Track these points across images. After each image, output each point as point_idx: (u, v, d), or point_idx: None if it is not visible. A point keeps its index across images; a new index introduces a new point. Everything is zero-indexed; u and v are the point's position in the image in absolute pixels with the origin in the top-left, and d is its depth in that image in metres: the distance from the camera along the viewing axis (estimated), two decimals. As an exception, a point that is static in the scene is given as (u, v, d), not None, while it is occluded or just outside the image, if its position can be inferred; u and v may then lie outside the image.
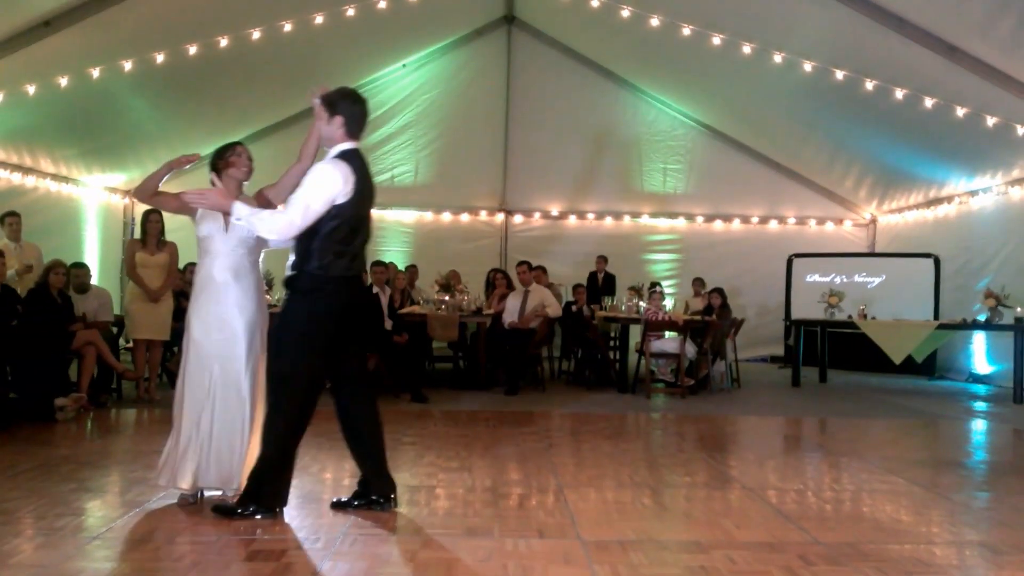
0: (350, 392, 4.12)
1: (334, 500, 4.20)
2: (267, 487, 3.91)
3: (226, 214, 4.03)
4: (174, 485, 4.11)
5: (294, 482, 4.15)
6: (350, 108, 3.97)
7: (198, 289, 4.20)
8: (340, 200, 3.81)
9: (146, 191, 4.36)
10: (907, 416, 8.07)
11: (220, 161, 4.35)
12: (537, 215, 13.30)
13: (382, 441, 4.18)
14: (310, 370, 3.90)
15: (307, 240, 3.83)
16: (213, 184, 4.30)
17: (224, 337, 4.11)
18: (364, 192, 3.94)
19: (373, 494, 4.13)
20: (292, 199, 3.78)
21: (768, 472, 5.40)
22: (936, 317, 10.80)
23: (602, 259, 11.91)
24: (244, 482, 4.03)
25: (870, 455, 5.98)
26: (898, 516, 4.31)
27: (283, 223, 3.74)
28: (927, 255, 11.34)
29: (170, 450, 4.17)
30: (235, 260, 4.19)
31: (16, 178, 9.60)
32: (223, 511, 3.93)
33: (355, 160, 3.92)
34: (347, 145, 3.97)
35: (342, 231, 3.85)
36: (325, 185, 3.77)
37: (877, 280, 11.71)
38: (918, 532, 4.04)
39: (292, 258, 3.94)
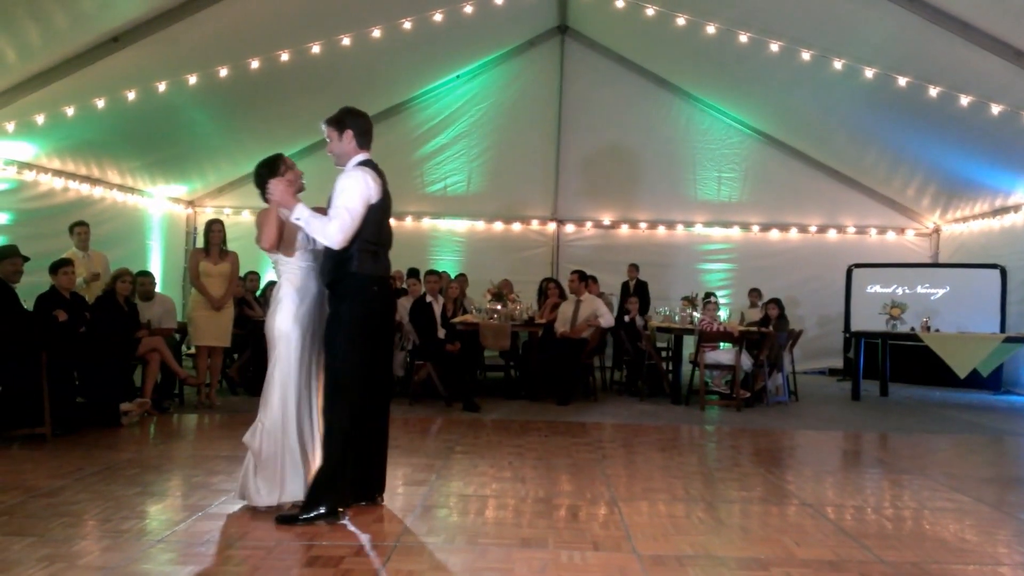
0: (376, 396, 4.25)
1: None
2: (329, 489, 3.99)
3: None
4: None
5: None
6: (356, 121, 4.24)
7: (296, 298, 4.22)
8: (373, 201, 4.07)
9: (270, 239, 4.23)
10: (972, 432, 7.83)
11: (274, 176, 4.33)
12: (589, 224, 13.26)
13: (383, 441, 4.37)
14: (363, 370, 4.07)
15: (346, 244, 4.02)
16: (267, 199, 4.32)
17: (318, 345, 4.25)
18: (386, 195, 4.20)
19: (367, 493, 4.33)
20: (335, 208, 3.98)
21: (827, 488, 5.29)
22: (1002, 330, 10.48)
23: (633, 267, 11.84)
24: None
25: (933, 472, 5.82)
26: (963, 535, 4.18)
27: (336, 229, 3.94)
28: (993, 266, 11.00)
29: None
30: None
31: (85, 189, 9.95)
32: (286, 520, 3.99)
33: (374, 166, 4.20)
34: (362, 156, 4.23)
35: (373, 231, 4.10)
36: (361, 189, 4.03)
37: (941, 291, 11.40)
38: (984, 552, 3.92)
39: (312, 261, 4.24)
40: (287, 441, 4.15)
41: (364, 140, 4.24)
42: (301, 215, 4.01)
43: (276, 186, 4.13)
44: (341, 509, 4.04)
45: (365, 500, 4.33)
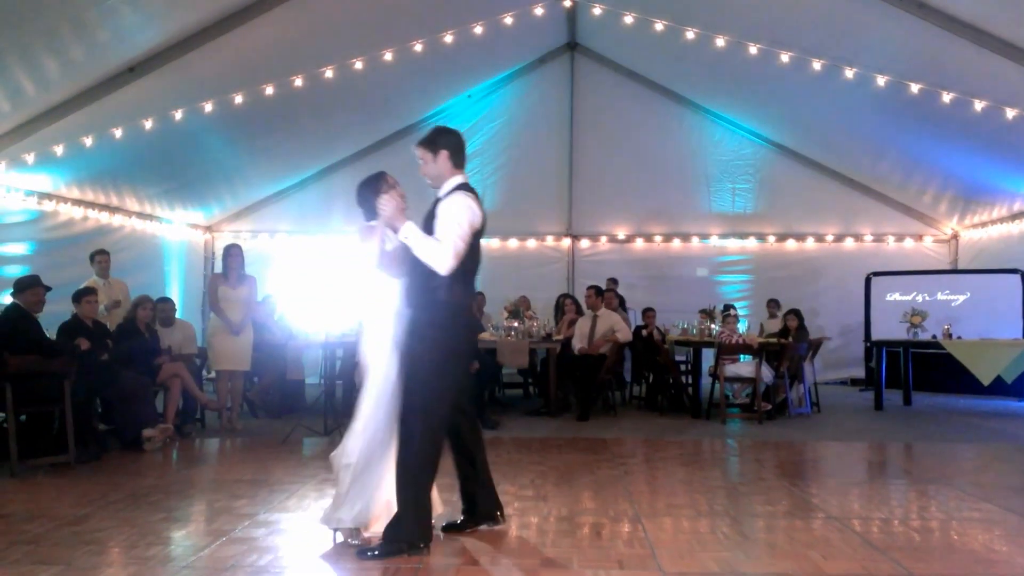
0: (470, 421, 4.23)
1: (445, 524, 4.27)
2: (410, 523, 3.86)
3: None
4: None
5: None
6: (449, 139, 4.11)
7: (392, 323, 4.10)
8: (477, 228, 3.95)
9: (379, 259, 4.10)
10: (999, 440, 7.73)
11: (377, 196, 4.17)
12: (604, 239, 13.25)
13: (487, 464, 4.31)
14: (448, 402, 3.96)
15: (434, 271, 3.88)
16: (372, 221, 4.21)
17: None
18: (485, 221, 4.07)
19: (483, 514, 4.30)
20: (446, 233, 3.84)
21: (852, 500, 5.23)
22: (1025, 335, 10.35)
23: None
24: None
25: (960, 481, 5.75)
26: (992, 545, 4.13)
27: (450, 255, 3.81)
28: (1013, 271, 10.88)
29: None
30: None
31: (104, 217, 10.06)
32: (367, 554, 3.85)
33: (473, 190, 4.06)
34: (460, 178, 4.10)
35: (468, 258, 3.94)
36: (469, 215, 3.91)
37: (961, 298, 11.28)
38: (1015, 562, 3.86)
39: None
40: (380, 466, 4.00)
41: (459, 159, 4.11)
42: (410, 233, 3.87)
43: (389, 202, 3.93)
44: (422, 544, 3.88)
45: (487, 522, 4.29)
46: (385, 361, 4.04)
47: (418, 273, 3.93)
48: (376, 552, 3.85)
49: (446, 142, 4.09)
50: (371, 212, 4.21)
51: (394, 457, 3.95)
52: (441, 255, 3.80)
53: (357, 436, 4.02)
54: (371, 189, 4.24)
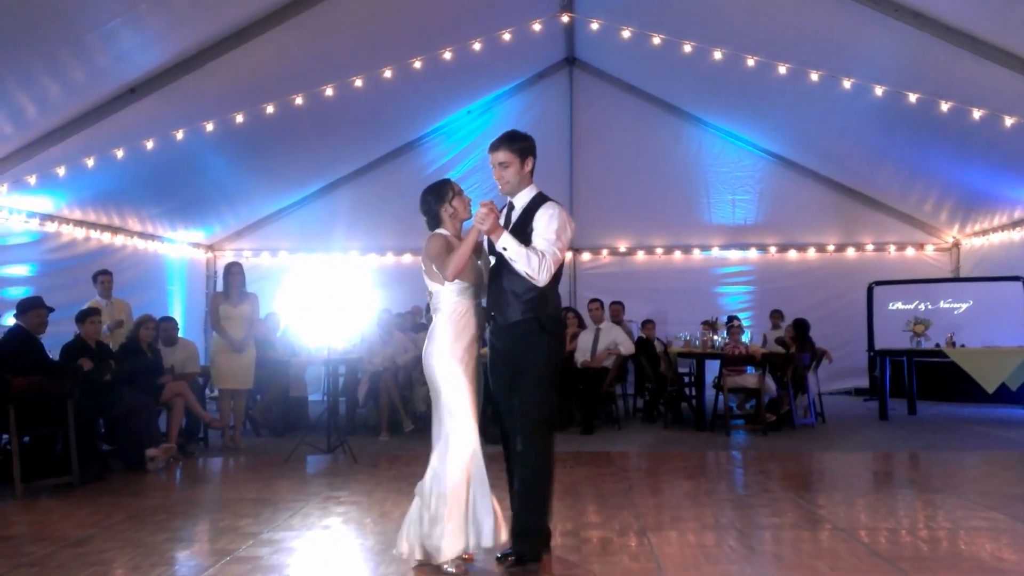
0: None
1: None
2: (538, 537, 3.86)
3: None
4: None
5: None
6: (534, 147, 4.10)
7: (455, 333, 3.97)
8: (570, 240, 3.95)
9: (459, 267, 3.91)
10: (1004, 448, 7.70)
11: (442, 204, 4.13)
12: (605, 252, 13.26)
13: None
14: (556, 410, 3.98)
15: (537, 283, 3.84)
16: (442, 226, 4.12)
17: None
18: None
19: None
20: (548, 243, 3.82)
21: (859, 511, 5.21)
22: (1029, 342, 10.33)
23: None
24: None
25: (966, 490, 5.72)
26: (1000, 554, 4.10)
27: (551, 266, 3.80)
28: (1015, 278, 10.88)
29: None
30: None
31: (106, 238, 10.08)
32: (520, 561, 3.80)
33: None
34: (535, 187, 4.09)
35: (560, 271, 3.93)
36: (569, 228, 3.92)
37: (964, 306, 11.27)
38: (1022, 571, 3.83)
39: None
40: (475, 484, 3.84)
41: (533, 169, 4.08)
42: (508, 244, 3.79)
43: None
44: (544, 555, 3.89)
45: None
46: (455, 372, 3.91)
47: (511, 285, 3.88)
48: (524, 560, 3.78)
49: (532, 150, 4.05)
50: (434, 220, 4.12)
51: (481, 474, 3.85)
52: (542, 266, 3.76)
53: (446, 460, 3.83)
54: (436, 196, 4.12)
